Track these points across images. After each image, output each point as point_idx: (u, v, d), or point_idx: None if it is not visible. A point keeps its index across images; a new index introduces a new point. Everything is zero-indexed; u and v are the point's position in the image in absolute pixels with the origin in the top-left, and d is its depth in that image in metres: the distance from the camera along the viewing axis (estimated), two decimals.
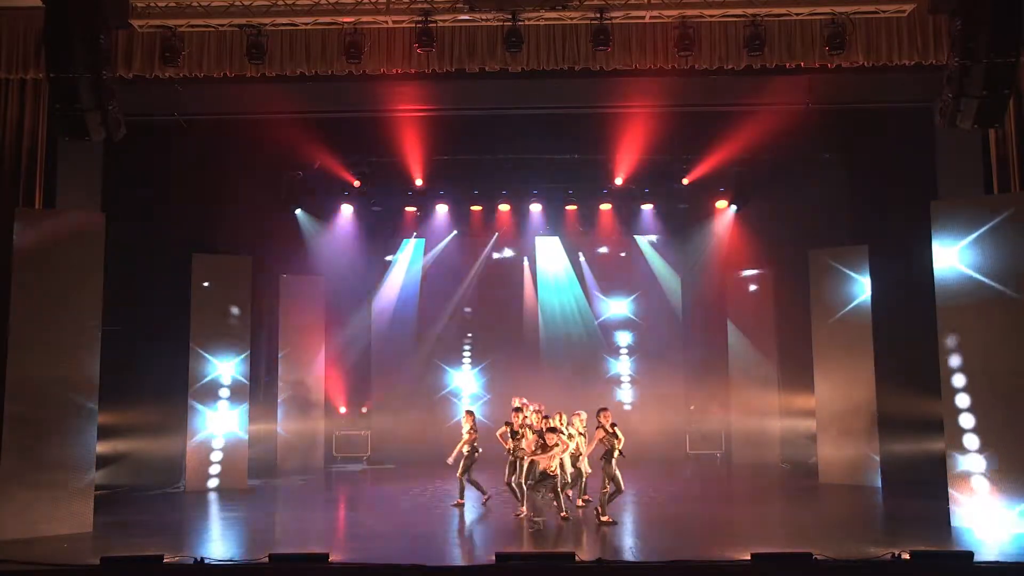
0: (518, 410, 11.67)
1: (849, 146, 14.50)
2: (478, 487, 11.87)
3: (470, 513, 11.39)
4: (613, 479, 10.38)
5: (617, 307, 17.93)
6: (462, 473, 11.77)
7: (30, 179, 10.80)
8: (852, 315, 13.58)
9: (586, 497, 11.43)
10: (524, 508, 10.80)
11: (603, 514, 10.39)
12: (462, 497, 11.75)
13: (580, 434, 11.22)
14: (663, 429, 16.75)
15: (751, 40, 10.51)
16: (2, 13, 10.72)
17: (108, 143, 10.52)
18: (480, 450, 11.81)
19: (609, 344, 17.86)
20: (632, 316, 17.85)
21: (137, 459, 13.56)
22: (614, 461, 10.39)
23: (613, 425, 10.56)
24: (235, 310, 13.91)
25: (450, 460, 11.80)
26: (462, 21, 10.73)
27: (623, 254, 18.02)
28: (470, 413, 12.16)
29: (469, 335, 17.90)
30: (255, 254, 14.52)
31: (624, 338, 17.83)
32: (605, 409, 10.83)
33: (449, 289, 17.92)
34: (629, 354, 17.78)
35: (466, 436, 11.74)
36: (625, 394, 17.53)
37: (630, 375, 17.68)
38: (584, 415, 11.47)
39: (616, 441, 10.43)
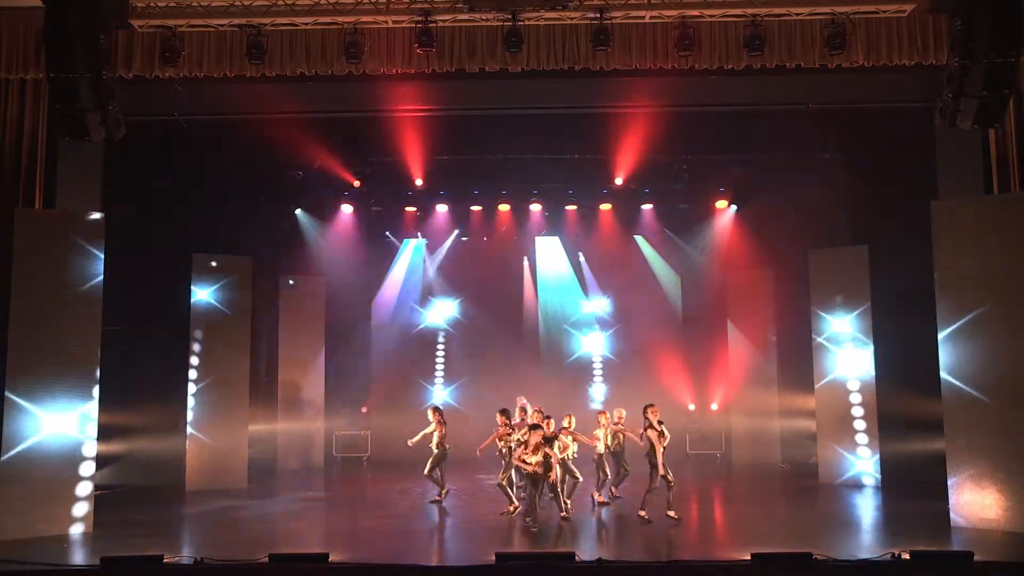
0: (504, 412, 11.69)
1: (849, 146, 14.50)
2: (437, 483, 11.98)
3: (470, 513, 11.39)
4: (662, 475, 10.42)
5: (617, 307, 17.92)
6: (430, 471, 11.83)
7: (30, 179, 10.82)
8: (850, 315, 13.57)
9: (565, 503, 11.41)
10: (512, 507, 10.89)
11: (670, 509, 10.45)
12: (440, 494, 11.88)
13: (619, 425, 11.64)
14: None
15: (751, 40, 10.53)
16: (2, 13, 10.74)
17: (108, 143, 10.53)
18: (449, 447, 11.85)
19: (609, 344, 17.85)
20: (632, 316, 17.82)
21: (137, 459, 13.56)
22: (660, 458, 10.42)
23: (660, 423, 10.60)
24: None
25: (411, 443, 11.93)
26: (462, 21, 10.74)
27: (623, 254, 17.99)
28: (436, 409, 12.18)
29: (469, 335, 17.88)
30: (255, 254, 14.50)
31: (624, 338, 17.80)
32: (652, 405, 10.81)
33: (449, 289, 17.92)
34: (628, 354, 17.75)
35: (433, 429, 11.82)
36: (624, 394, 17.49)
37: (629, 375, 17.64)
38: (624, 411, 11.86)
39: (662, 438, 10.48)
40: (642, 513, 10.44)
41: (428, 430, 11.91)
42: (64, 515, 10.09)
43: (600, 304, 17.97)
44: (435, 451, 11.80)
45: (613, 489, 11.89)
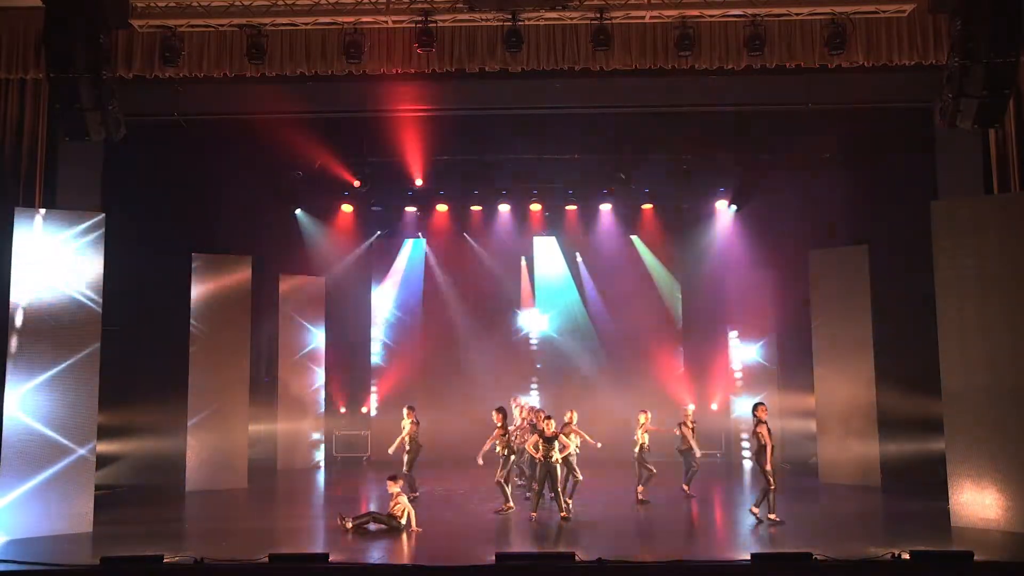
0: (500, 410, 11.68)
1: (849, 146, 14.50)
2: (411, 483, 11.99)
3: (469, 513, 11.39)
4: (768, 475, 10.41)
5: (616, 307, 17.90)
6: (408, 468, 11.85)
7: (30, 179, 10.82)
8: (852, 315, 13.57)
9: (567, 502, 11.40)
10: (507, 505, 11.02)
11: (771, 512, 10.36)
12: (414, 491, 11.93)
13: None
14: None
15: (751, 40, 10.53)
16: (2, 13, 10.74)
17: (108, 143, 10.53)
18: (422, 446, 11.87)
19: (607, 344, 17.83)
20: (632, 317, 17.80)
21: (137, 459, 13.56)
22: (769, 458, 10.38)
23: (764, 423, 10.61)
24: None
25: (391, 450, 12.21)
26: (462, 21, 10.75)
27: (622, 254, 17.97)
28: (411, 409, 12.20)
29: (466, 334, 17.86)
30: (255, 254, 14.50)
31: (623, 338, 17.78)
32: (762, 404, 10.77)
33: (448, 289, 17.92)
34: (628, 354, 17.72)
35: (407, 430, 11.93)
36: (623, 394, 17.48)
37: (629, 374, 17.62)
38: (691, 407, 12.61)
39: (769, 438, 10.43)
40: (761, 512, 10.42)
41: (404, 433, 11.95)
42: (64, 515, 10.09)
43: (599, 305, 17.94)
44: (408, 449, 11.84)
45: (685, 487, 12.23)
